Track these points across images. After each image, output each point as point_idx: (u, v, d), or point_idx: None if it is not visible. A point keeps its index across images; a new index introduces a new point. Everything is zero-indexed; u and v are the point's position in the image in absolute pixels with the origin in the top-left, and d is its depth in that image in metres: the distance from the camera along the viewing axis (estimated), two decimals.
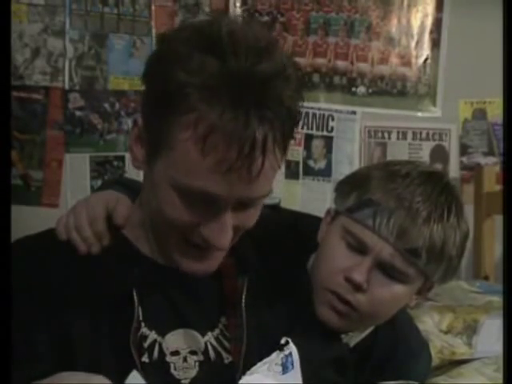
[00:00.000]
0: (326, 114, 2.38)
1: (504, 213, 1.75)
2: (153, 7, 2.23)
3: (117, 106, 2.22)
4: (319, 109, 2.37)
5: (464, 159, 2.48)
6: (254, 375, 1.05)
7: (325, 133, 2.38)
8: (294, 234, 1.26)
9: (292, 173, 2.36)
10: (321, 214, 1.27)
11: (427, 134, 2.46)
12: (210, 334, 1.09)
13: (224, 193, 0.96)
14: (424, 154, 2.46)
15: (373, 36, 2.40)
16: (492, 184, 2.31)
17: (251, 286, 1.10)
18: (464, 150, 2.48)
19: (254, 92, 0.93)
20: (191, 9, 2.25)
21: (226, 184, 0.95)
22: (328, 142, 2.39)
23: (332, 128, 2.39)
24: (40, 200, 2.17)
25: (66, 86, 2.18)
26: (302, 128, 2.34)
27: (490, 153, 2.50)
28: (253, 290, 1.10)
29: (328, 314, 1.18)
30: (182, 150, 0.95)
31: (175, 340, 1.07)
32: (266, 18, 2.31)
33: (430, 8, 2.43)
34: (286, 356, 1.07)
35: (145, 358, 1.04)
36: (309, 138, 2.37)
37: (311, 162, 2.38)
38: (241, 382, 1.04)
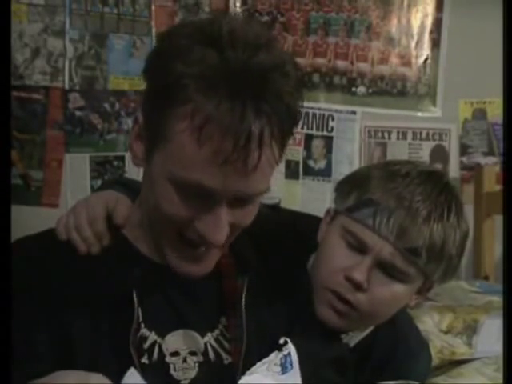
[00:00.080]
0: (326, 113, 2.38)
1: (504, 213, 1.75)
2: (153, 7, 2.23)
3: (117, 105, 2.22)
4: (319, 109, 2.37)
5: (464, 159, 2.48)
6: (254, 375, 1.05)
7: (325, 133, 2.38)
8: (293, 233, 1.26)
9: (292, 173, 2.36)
10: (321, 214, 1.27)
11: (427, 133, 2.46)
12: (209, 334, 1.09)
13: (220, 187, 0.95)
14: (424, 153, 2.46)
15: (373, 36, 2.40)
16: (492, 184, 2.31)
17: (251, 286, 1.10)
18: (464, 149, 2.48)
19: (251, 84, 0.93)
20: (191, 9, 2.25)
21: (222, 177, 0.95)
22: (328, 141, 2.39)
23: (332, 128, 2.39)
24: (40, 200, 2.17)
25: (66, 86, 2.18)
26: (302, 128, 2.34)
27: (490, 153, 2.50)
28: (253, 290, 1.10)
29: (328, 314, 1.18)
30: (179, 141, 0.95)
31: (175, 341, 1.06)
32: (265, 18, 2.31)
33: (430, 8, 2.43)
34: (285, 356, 1.07)
35: (144, 359, 1.04)
36: (309, 138, 2.37)
37: (311, 162, 2.38)
38: (240, 382, 1.04)
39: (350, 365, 1.21)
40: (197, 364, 1.06)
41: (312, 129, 2.37)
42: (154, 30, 2.22)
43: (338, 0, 2.37)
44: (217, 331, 1.09)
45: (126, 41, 2.22)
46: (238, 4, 2.29)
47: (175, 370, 1.05)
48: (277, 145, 0.97)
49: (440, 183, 1.18)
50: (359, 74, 2.40)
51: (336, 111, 2.39)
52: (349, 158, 2.39)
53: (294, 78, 0.97)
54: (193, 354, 1.07)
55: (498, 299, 1.75)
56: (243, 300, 1.09)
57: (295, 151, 2.35)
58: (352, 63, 2.39)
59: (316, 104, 2.36)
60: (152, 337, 1.06)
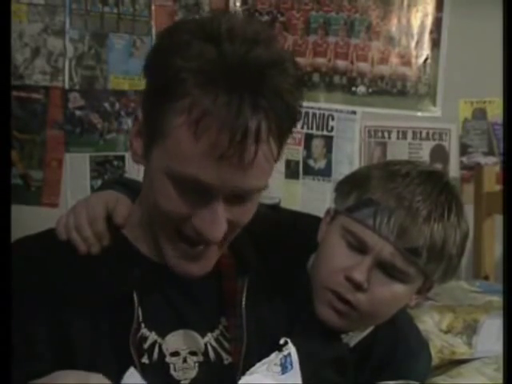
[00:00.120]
0: (326, 113, 2.38)
1: (504, 213, 1.75)
2: (153, 7, 2.23)
3: (117, 105, 2.22)
4: (319, 108, 2.37)
5: (464, 159, 2.48)
6: (254, 375, 1.05)
7: (325, 132, 2.38)
8: (293, 233, 1.26)
9: (292, 172, 2.36)
10: (321, 213, 1.27)
11: (427, 133, 2.46)
12: (209, 334, 1.09)
13: (216, 182, 0.95)
14: (424, 153, 2.46)
15: (373, 36, 2.40)
16: (492, 184, 2.31)
17: (251, 286, 1.10)
18: (464, 149, 2.48)
19: (249, 79, 0.93)
20: (191, 8, 2.25)
21: (219, 172, 0.94)
22: (328, 141, 2.39)
23: (332, 128, 2.39)
24: (40, 200, 2.17)
25: (66, 86, 2.18)
26: (302, 128, 2.34)
27: (490, 153, 2.50)
28: (253, 290, 1.10)
29: (328, 314, 1.18)
30: (176, 135, 0.95)
31: (175, 341, 1.06)
32: (265, 18, 2.31)
33: (430, 8, 2.43)
34: (285, 356, 1.07)
35: (145, 359, 1.04)
36: (309, 138, 2.37)
37: (311, 162, 2.38)
38: (240, 382, 1.04)
39: (350, 365, 1.21)
40: (197, 364, 1.06)
41: (312, 128, 2.37)
42: (154, 30, 2.22)
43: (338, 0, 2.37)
44: (217, 331, 1.09)
45: (126, 40, 2.22)
46: (238, 3, 2.29)
47: (175, 370, 1.05)
48: (274, 141, 0.97)
49: (440, 183, 1.18)
50: (359, 73, 2.40)
51: (336, 111, 2.39)
52: (349, 158, 2.39)
53: (293, 75, 0.97)
54: (193, 354, 1.07)
55: (497, 299, 1.75)
56: (243, 300, 1.09)
57: (295, 151, 2.35)
58: (352, 63, 2.39)
59: (316, 104, 2.36)
60: (152, 337, 1.05)
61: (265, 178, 1.00)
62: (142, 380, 0.97)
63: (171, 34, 1.00)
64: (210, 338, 1.08)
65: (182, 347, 1.06)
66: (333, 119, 2.38)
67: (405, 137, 2.45)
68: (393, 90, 2.43)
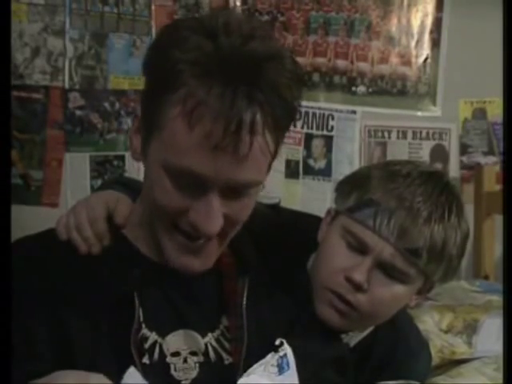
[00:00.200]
0: (326, 113, 2.38)
1: (504, 213, 1.75)
2: (153, 7, 2.23)
3: (117, 105, 2.22)
4: (319, 108, 2.37)
5: (464, 159, 2.48)
6: (251, 376, 1.05)
7: (325, 132, 2.38)
8: (293, 233, 1.26)
9: (292, 172, 2.35)
10: (321, 213, 1.27)
11: (427, 133, 2.46)
12: (210, 334, 1.08)
13: (211, 173, 0.95)
14: (424, 153, 2.46)
15: (373, 35, 2.40)
16: (492, 184, 2.31)
17: (251, 286, 1.10)
18: (464, 149, 2.48)
19: (244, 71, 0.93)
20: (191, 8, 2.25)
21: (213, 164, 0.94)
22: (328, 141, 2.39)
23: (332, 127, 2.39)
24: (40, 199, 2.17)
25: (66, 86, 2.18)
26: (302, 127, 2.34)
27: (489, 152, 2.50)
28: (253, 290, 1.10)
29: (328, 314, 1.18)
30: (172, 127, 0.96)
31: (176, 341, 1.06)
32: (265, 18, 2.31)
33: (430, 8, 2.43)
34: (281, 357, 1.07)
35: (145, 359, 1.04)
36: (309, 138, 2.37)
37: (311, 162, 2.37)
38: (238, 383, 1.04)
39: (350, 365, 1.21)
40: (197, 364, 1.06)
41: (312, 128, 2.36)
42: (153, 30, 2.22)
43: None
44: (217, 331, 1.09)
45: (126, 40, 2.22)
46: (238, 3, 2.29)
47: (176, 370, 1.05)
48: (271, 135, 0.97)
49: (441, 184, 1.18)
50: (359, 73, 2.40)
51: (336, 110, 2.39)
52: (349, 158, 2.39)
53: (290, 71, 0.98)
54: (193, 354, 1.07)
55: (497, 298, 1.75)
56: (244, 300, 1.09)
57: (295, 151, 2.34)
58: (352, 63, 2.39)
59: (316, 103, 2.36)
60: (153, 337, 1.05)
61: (260, 172, 1.00)
62: (143, 380, 0.97)
63: (170, 31, 1.01)
64: (210, 338, 1.08)
65: (182, 347, 1.06)
66: (333, 119, 2.38)
67: (405, 136, 2.44)
68: (393, 89, 2.43)
